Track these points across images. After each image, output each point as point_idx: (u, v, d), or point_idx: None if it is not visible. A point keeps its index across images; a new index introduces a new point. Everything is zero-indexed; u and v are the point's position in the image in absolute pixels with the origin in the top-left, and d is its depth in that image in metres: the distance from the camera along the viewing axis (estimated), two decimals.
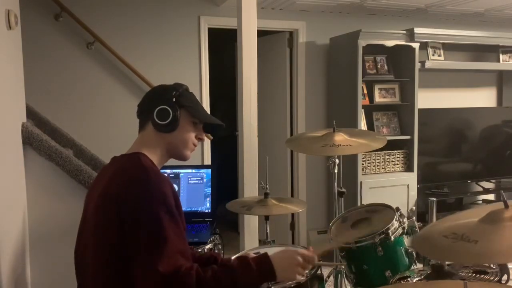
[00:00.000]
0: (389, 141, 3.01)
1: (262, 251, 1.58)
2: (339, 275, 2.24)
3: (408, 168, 4.35)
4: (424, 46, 4.50)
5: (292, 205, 2.53)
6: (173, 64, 3.97)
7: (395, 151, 4.32)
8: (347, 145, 2.27)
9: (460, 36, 4.50)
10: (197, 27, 4.04)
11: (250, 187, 2.99)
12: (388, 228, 1.83)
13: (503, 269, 1.52)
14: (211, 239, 2.41)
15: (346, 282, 2.16)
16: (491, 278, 1.50)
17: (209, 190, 2.71)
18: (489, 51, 4.92)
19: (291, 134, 4.50)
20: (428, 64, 4.42)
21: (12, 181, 2.05)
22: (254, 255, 1.50)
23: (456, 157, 4.71)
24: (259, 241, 3.15)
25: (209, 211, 2.70)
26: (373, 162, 4.25)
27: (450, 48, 4.72)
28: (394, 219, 1.87)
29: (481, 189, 4.80)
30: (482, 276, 1.52)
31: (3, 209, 1.84)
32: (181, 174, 2.72)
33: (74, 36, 3.68)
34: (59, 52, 3.65)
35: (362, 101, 4.11)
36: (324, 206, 4.59)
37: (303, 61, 4.44)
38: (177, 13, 3.98)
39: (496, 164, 4.83)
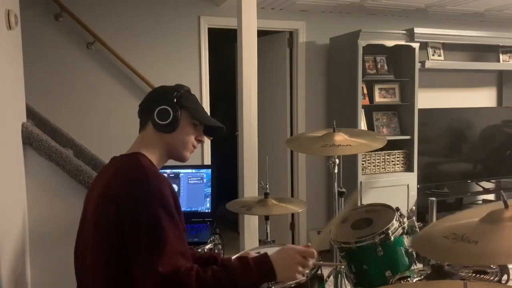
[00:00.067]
0: (389, 141, 3.01)
1: (262, 251, 1.58)
2: (339, 275, 2.24)
3: (408, 168, 4.35)
4: (424, 46, 4.50)
5: (292, 205, 2.53)
6: (173, 64, 3.97)
7: (395, 151, 4.32)
8: (347, 145, 2.27)
9: (460, 36, 4.50)
10: (197, 27, 4.04)
11: (250, 187, 2.99)
12: (388, 228, 1.83)
13: (503, 269, 1.52)
14: (211, 239, 2.41)
15: (346, 282, 2.16)
16: (491, 278, 1.50)
17: (209, 190, 2.71)
18: (489, 51, 4.92)
19: (291, 134, 4.50)
20: (428, 64, 4.42)
21: (12, 181, 2.05)
22: (255, 255, 1.50)
23: (456, 157, 4.71)
24: (259, 241, 3.15)
25: (209, 211, 2.70)
26: (373, 162, 4.25)
27: (450, 48, 4.72)
28: (394, 219, 1.87)
29: (481, 189, 4.80)
30: (482, 276, 1.52)
31: (3, 209, 1.84)
32: (181, 174, 2.72)
33: (74, 36, 3.69)
34: (59, 52, 3.65)
35: (362, 101, 4.11)
36: (324, 206, 4.59)
37: (303, 61, 4.44)
38: (177, 13, 3.98)
39: (496, 164, 4.84)
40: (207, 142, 4.11)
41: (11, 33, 2.10)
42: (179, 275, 1.30)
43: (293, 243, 4.53)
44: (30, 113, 2.97)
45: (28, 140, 2.24)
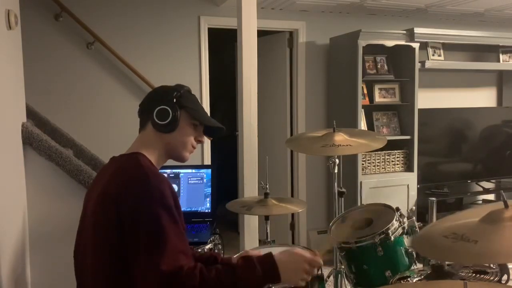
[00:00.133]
0: (389, 141, 3.01)
1: (263, 251, 1.57)
2: (339, 275, 2.24)
3: (408, 168, 4.35)
4: (424, 46, 4.50)
5: (292, 205, 2.53)
6: (173, 64, 3.98)
7: (395, 151, 4.32)
8: (347, 145, 2.27)
9: (460, 36, 4.50)
10: (197, 27, 4.05)
11: (250, 187, 2.99)
12: (388, 228, 1.83)
13: (503, 269, 1.51)
14: (211, 239, 2.41)
15: (346, 282, 2.16)
16: (491, 278, 1.50)
17: (209, 190, 2.71)
18: (489, 51, 4.92)
19: (291, 134, 4.50)
20: (428, 64, 4.42)
21: (12, 181, 2.05)
22: (259, 255, 1.48)
23: (456, 157, 4.71)
24: (259, 241, 3.15)
25: (209, 211, 2.70)
26: (373, 162, 4.25)
27: (450, 48, 4.72)
28: (394, 219, 1.87)
29: (481, 189, 4.80)
30: (482, 276, 1.52)
31: (3, 209, 1.84)
32: (181, 174, 2.72)
33: (74, 36, 3.69)
34: (59, 52, 3.65)
35: (362, 101, 4.11)
36: (324, 206, 4.59)
37: (303, 61, 4.44)
38: (177, 13, 3.98)
39: (496, 164, 4.83)
40: (207, 142, 4.11)
41: (11, 33, 2.10)
42: (181, 275, 1.29)
43: (293, 243, 4.53)
44: (30, 113, 2.98)
45: (28, 140, 2.24)
